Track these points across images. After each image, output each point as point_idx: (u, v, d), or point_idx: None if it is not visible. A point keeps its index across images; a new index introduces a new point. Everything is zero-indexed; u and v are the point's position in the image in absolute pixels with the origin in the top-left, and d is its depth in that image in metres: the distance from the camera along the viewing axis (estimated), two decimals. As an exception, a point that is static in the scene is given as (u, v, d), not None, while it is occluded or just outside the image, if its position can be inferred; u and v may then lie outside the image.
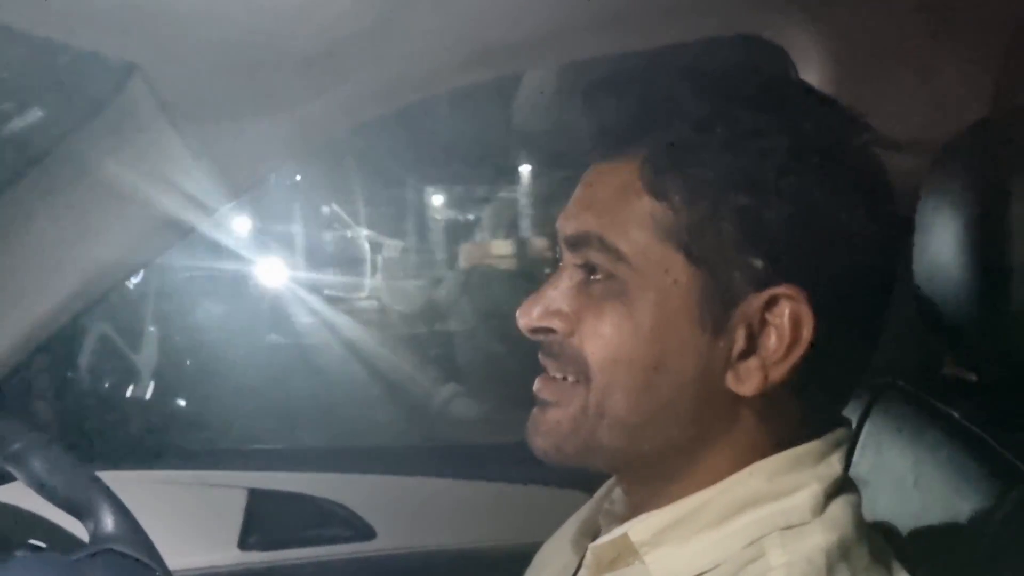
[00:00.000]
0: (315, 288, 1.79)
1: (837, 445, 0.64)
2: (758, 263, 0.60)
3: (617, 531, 0.66)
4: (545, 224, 1.85)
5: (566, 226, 0.66)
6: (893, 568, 0.62)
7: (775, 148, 0.60)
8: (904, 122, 0.95)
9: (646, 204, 0.61)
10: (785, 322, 0.60)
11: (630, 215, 0.62)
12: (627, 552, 0.65)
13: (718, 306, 0.61)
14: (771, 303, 0.60)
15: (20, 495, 1.08)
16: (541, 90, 1.76)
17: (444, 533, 1.25)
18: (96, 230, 0.99)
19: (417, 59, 0.89)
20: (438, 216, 2.09)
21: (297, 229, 1.80)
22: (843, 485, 0.63)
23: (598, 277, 0.63)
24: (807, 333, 0.60)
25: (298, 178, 1.80)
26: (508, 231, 1.86)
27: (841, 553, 0.59)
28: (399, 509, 1.24)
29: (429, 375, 1.80)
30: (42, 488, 0.85)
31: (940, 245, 0.85)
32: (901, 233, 0.68)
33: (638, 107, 0.63)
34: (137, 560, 0.83)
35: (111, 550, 0.82)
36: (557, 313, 0.65)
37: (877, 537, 0.64)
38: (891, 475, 0.82)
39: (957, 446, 0.80)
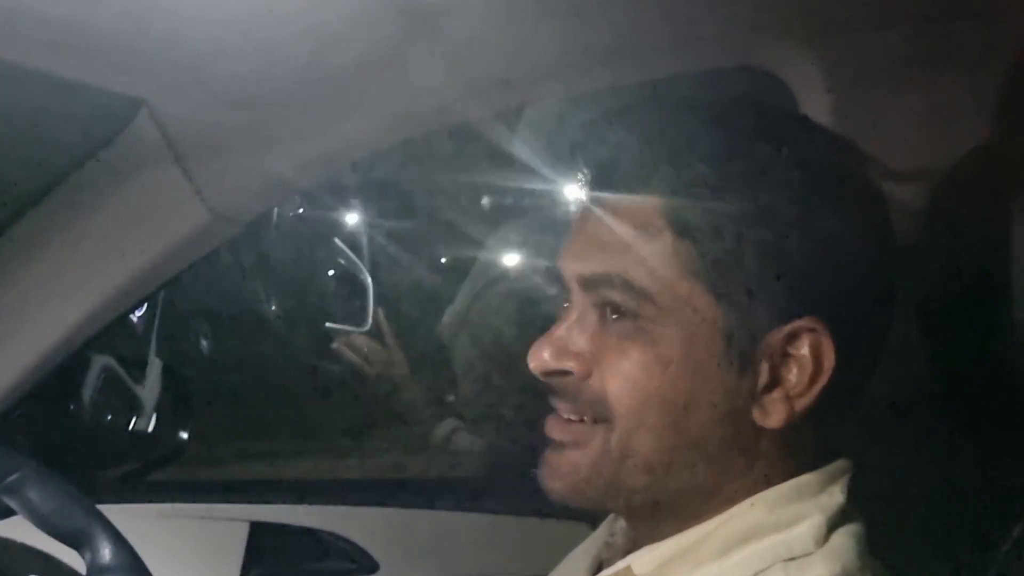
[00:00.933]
0: (316, 320, 1.79)
1: (839, 475, 0.64)
2: (780, 297, 0.60)
3: (620, 564, 0.66)
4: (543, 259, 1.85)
5: (578, 267, 0.64)
6: None
7: (792, 181, 0.60)
8: (904, 150, 0.96)
9: (669, 242, 0.61)
10: (807, 354, 0.60)
11: (653, 253, 0.61)
12: None
13: (743, 341, 0.61)
14: (792, 336, 0.61)
15: (19, 530, 1.08)
16: (541, 120, 1.77)
17: (447, 566, 1.24)
18: (99, 264, 1.00)
19: (420, 94, 0.90)
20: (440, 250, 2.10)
21: (299, 261, 1.80)
22: (846, 515, 0.63)
23: (616, 316, 0.62)
24: (828, 363, 0.60)
25: (300, 211, 1.80)
26: (507, 266, 1.86)
27: None
28: (402, 542, 1.23)
29: (430, 409, 1.80)
30: (39, 519, 0.84)
31: (942, 270, 0.85)
32: (902, 260, 0.69)
33: (651, 143, 0.63)
34: (136, 592, 0.82)
35: (110, 582, 0.82)
36: (572, 355, 0.64)
37: (881, 567, 0.64)
38: (892, 500, 0.81)
39: (959, 469, 0.80)
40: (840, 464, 0.65)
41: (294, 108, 0.87)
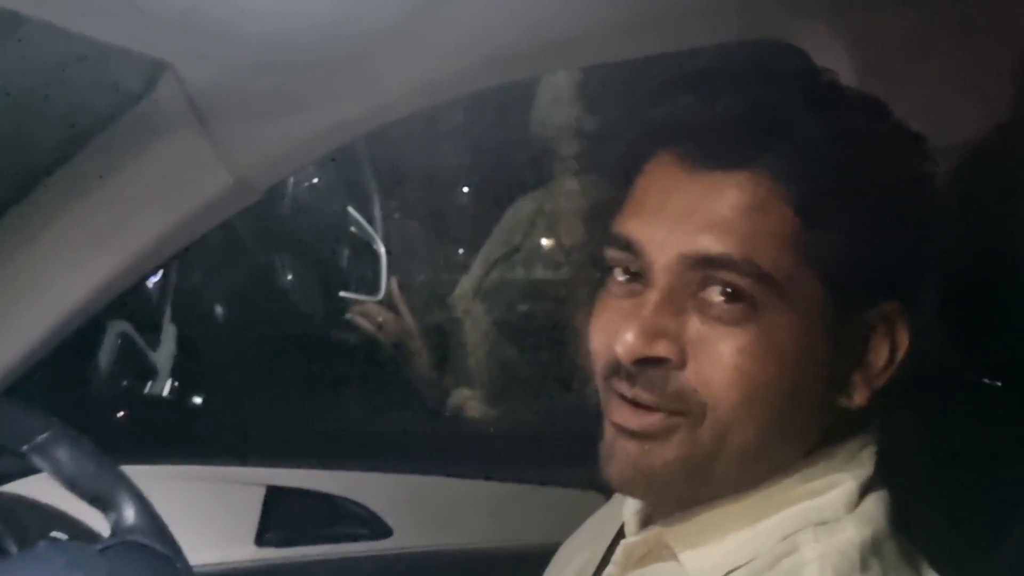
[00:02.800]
0: (331, 288, 1.80)
1: (868, 444, 0.65)
2: (874, 279, 0.60)
3: (651, 529, 0.67)
4: (559, 229, 1.84)
5: (682, 244, 0.59)
6: (922, 568, 0.63)
7: (888, 158, 0.60)
8: (927, 124, 0.96)
9: (786, 220, 0.58)
10: (889, 337, 0.61)
11: (772, 233, 0.58)
12: (659, 548, 0.66)
13: (841, 323, 0.60)
14: (879, 317, 0.61)
15: (39, 489, 1.10)
16: (556, 97, 1.76)
17: (461, 533, 1.25)
18: (121, 227, 1.00)
19: (442, 62, 0.90)
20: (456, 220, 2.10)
21: (314, 229, 1.80)
22: (874, 482, 0.64)
23: (725, 301, 0.58)
24: (905, 344, 0.61)
25: (316, 180, 1.80)
26: (525, 236, 1.86)
27: (874, 548, 0.60)
28: (416, 508, 1.24)
29: (443, 378, 1.81)
30: (67, 479, 0.85)
31: (962, 248, 0.85)
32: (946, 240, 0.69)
33: (761, 116, 0.59)
34: (158, 552, 0.84)
35: (134, 541, 0.83)
36: (667, 340, 0.59)
37: (903, 537, 0.65)
38: (909, 480, 0.82)
39: (979, 453, 0.80)
40: (869, 433, 0.65)
41: (319, 73, 0.87)
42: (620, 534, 0.72)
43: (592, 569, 0.74)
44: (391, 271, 1.80)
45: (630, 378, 0.60)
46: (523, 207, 1.89)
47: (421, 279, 2.02)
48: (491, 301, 1.85)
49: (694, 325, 0.59)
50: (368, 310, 1.79)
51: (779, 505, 0.62)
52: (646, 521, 0.70)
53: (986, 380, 0.85)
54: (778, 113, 0.59)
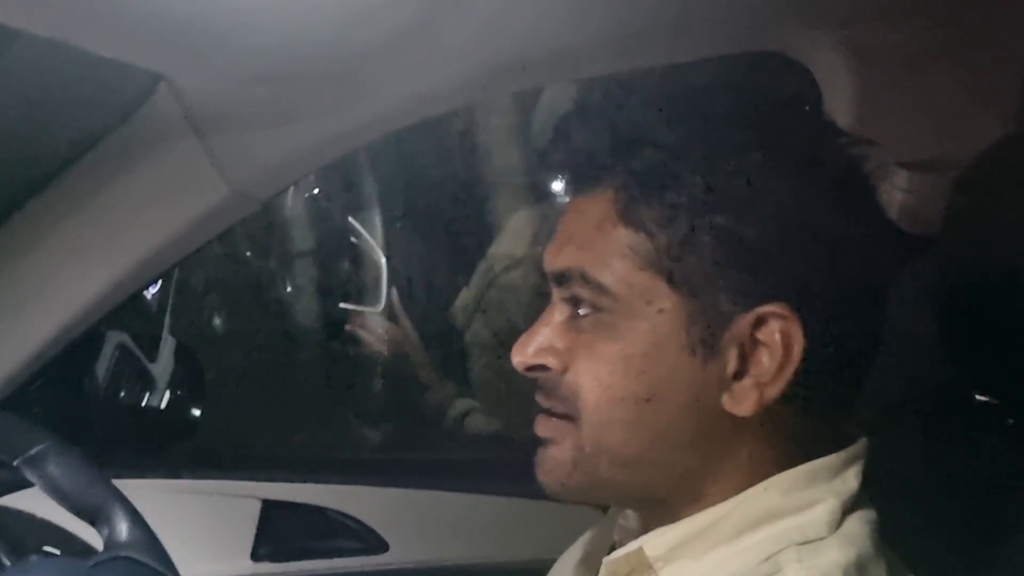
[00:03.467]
0: (330, 299, 1.79)
1: (853, 460, 0.64)
2: (742, 282, 0.60)
3: (631, 545, 0.66)
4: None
5: (550, 262, 0.65)
6: None
7: (748, 165, 0.59)
8: (929, 140, 0.95)
9: (623, 234, 0.61)
10: (776, 340, 0.60)
11: (609, 247, 0.62)
12: (641, 567, 0.65)
13: (706, 330, 0.60)
14: (759, 322, 0.60)
15: (34, 503, 1.09)
16: (554, 110, 1.76)
17: (457, 548, 1.24)
18: (118, 238, 1.00)
19: (442, 73, 0.90)
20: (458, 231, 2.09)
21: (314, 240, 1.80)
22: (859, 501, 0.63)
23: (585, 312, 0.63)
24: (798, 349, 0.60)
25: (316, 191, 1.80)
26: (525, 248, 1.85)
27: (858, 570, 0.59)
28: (412, 523, 1.23)
29: (443, 390, 1.80)
30: (58, 493, 0.85)
31: (964, 265, 0.84)
32: (908, 244, 0.68)
33: (607, 138, 0.63)
34: (151, 568, 0.83)
35: (126, 557, 0.82)
36: (550, 350, 0.64)
37: (893, 555, 0.64)
38: (902, 498, 0.81)
39: (975, 472, 0.79)
40: (854, 450, 0.64)
41: (316, 84, 0.86)
42: (611, 551, 0.71)
43: None
44: (392, 282, 1.80)
45: (536, 386, 0.66)
46: (524, 219, 1.89)
47: (422, 290, 2.01)
48: (492, 313, 1.84)
49: (571, 336, 0.64)
50: (368, 322, 1.78)
51: (760, 520, 0.61)
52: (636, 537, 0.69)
53: (982, 397, 0.84)
54: (622, 131, 0.63)
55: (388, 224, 1.91)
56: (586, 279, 0.62)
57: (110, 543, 0.84)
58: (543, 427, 0.66)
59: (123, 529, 0.84)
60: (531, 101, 1.70)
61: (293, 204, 1.71)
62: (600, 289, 0.62)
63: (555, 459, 0.65)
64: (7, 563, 1.02)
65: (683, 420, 0.62)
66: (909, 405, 0.88)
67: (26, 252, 0.99)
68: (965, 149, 0.88)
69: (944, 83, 0.95)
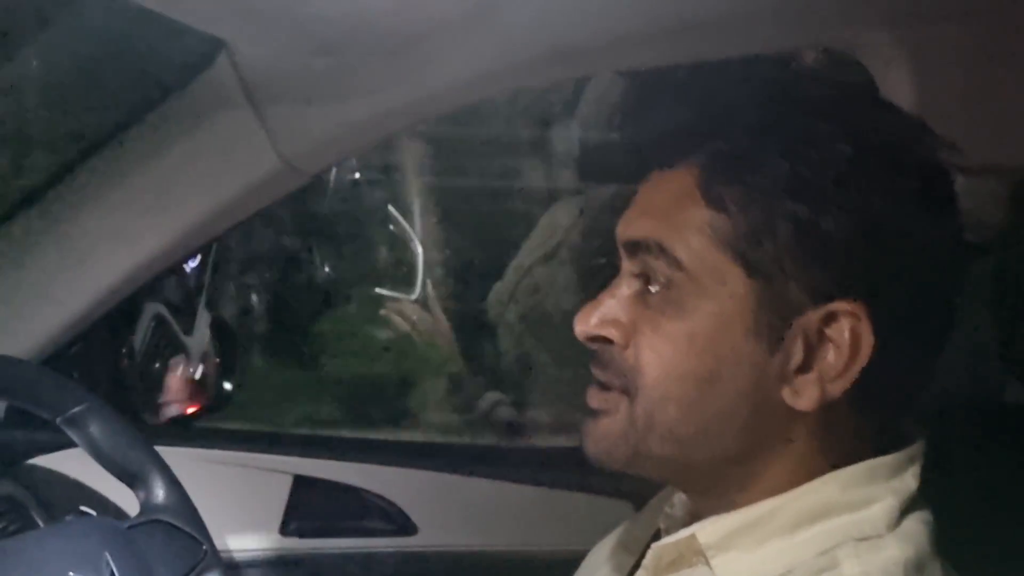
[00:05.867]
0: (366, 283, 1.80)
1: (911, 460, 0.63)
2: (816, 276, 0.59)
3: (683, 532, 0.65)
4: (596, 234, 1.83)
5: (625, 231, 0.65)
6: None
7: (835, 157, 0.59)
8: (988, 144, 0.94)
9: (703, 212, 0.61)
10: (844, 338, 0.59)
11: (687, 222, 0.61)
12: (691, 554, 0.64)
13: (775, 318, 0.60)
14: (830, 318, 0.59)
15: (69, 464, 1.10)
16: (602, 101, 1.75)
17: (487, 534, 1.23)
18: (167, 204, 1.00)
19: (502, 53, 0.89)
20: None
21: (354, 224, 1.81)
22: (916, 502, 0.62)
23: (656, 287, 0.62)
24: (866, 350, 0.59)
25: (357, 175, 1.81)
26: (561, 241, 1.84)
27: (917, 569, 0.58)
28: (443, 507, 1.22)
29: (473, 381, 1.80)
30: (98, 453, 0.85)
31: (1020, 269, 0.83)
32: (968, 251, 0.66)
33: (696, 114, 0.63)
34: (186, 533, 0.83)
35: (162, 521, 0.83)
36: (614, 322, 0.64)
37: (947, 563, 0.62)
38: (948, 504, 0.80)
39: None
40: (913, 450, 0.63)
41: (374, 58, 0.86)
42: (654, 541, 0.70)
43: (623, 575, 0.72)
44: (427, 271, 1.80)
45: (593, 358, 0.66)
46: (560, 212, 1.88)
47: (457, 280, 2.01)
48: (525, 305, 1.83)
49: (638, 309, 0.63)
50: (402, 308, 1.79)
51: (817, 515, 0.61)
52: (683, 526, 0.68)
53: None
54: (711, 110, 0.62)
55: (425, 213, 1.91)
56: (662, 250, 0.61)
57: (147, 506, 0.84)
58: (596, 399, 0.66)
59: (160, 493, 0.84)
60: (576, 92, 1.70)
61: (335, 186, 1.72)
62: (674, 263, 0.61)
63: (605, 429, 0.65)
64: (41, 523, 1.03)
65: (739, 405, 0.61)
66: (964, 410, 0.86)
67: (76, 213, 1.00)
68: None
69: (1004, 88, 0.94)
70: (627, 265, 0.65)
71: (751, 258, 0.59)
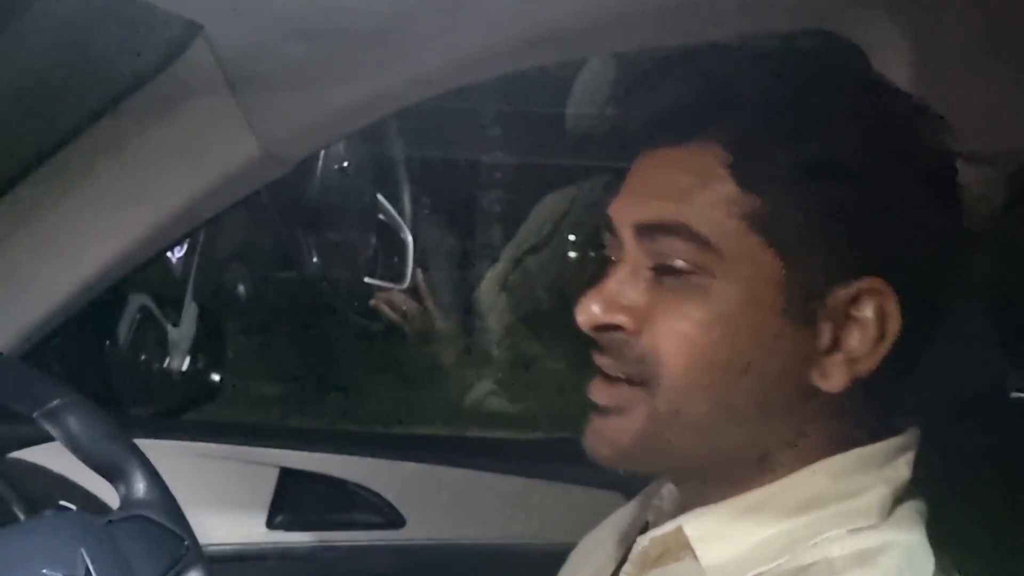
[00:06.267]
0: (356, 273, 1.78)
1: (904, 449, 0.62)
2: (843, 253, 0.58)
3: (669, 525, 0.64)
4: (589, 223, 1.82)
5: (635, 215, 0.61)
6: None
7: (860, 135, 0.58)
8: (986, 131, 0.92)
9: (730, 190, 0.58)
10: (872, 317, 0.58)
11: (714, 202, 0.58)
12: (677, 547, 0.63)
13: (803, 299, 0.58)
14: (857, 297, 0.58)
15: (50, 458, 1.08)
16: (595, 85, 1.73)
17: (475, 526, 1.22)
18: (145, 193, 0.99)
19: (481, 38, 0.87)
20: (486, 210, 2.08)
21: (342, 212, 1.79)
22: (909, 491, 0.61)
23: (674, 269, 0.59)
24: (894, 328, 0.58)
25: (346, 164, 1.79)
26: (553, 231, 1.83)
27: (908, 559, 0.57)
28: (431, 499, 1.21)
29: (464, 371, 1.79)
30: (77, 447, 0.83)
31: (1019, 260, 0.81)
32: (973, 239, 0.67)
33: (713, 89, 0.60)
34: (167, 528, 0.82)
35: (142, 516, 0.81)
36: (624, 309, 0.61)
37: (941, 552, 0.61)
38: (945, 496, 0.79)
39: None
40: (905, 438, 0.62)
41: (355, 43, 0.84)
42: (643, 533, 0.69)
43: (611, 569, 0.71)
44: (417, 260, 1.79)
45: (599, 348, 0.62)
46: (552, 202, 1.87)
47: (447, 270, 2.00)
48: (516, 296, 1.83)
49: (652, 294, 0.60)
50: (392, 298, 1.77)
51: (808, 504, 0.59)
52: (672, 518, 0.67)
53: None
54: (734, 85, 0.60)
55: (415, 203, 1.90)
56: (690, 233, 0.58)
57: (127, 501, 0.83)
58: (605, 394, 0.62)
59: (140, 488, 0.83)
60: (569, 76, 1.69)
61: (323, 175, 1.70)
62: (704, 245, 0.58)
63: (619, 429, 0.61)
64: (22, 517, 1.01)
65: (772, 391, 0.59)
66: (957, 400, 0.85)
67: (54, 201, 0.98)
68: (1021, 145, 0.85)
69: (1004, 75, 0.92)
70: (634, 249, 0.61)
71: (779, 237, 0.58)
